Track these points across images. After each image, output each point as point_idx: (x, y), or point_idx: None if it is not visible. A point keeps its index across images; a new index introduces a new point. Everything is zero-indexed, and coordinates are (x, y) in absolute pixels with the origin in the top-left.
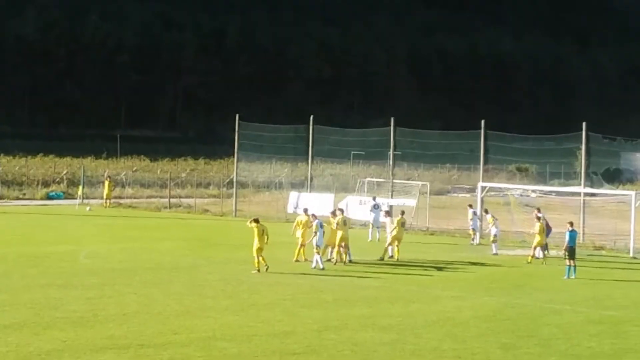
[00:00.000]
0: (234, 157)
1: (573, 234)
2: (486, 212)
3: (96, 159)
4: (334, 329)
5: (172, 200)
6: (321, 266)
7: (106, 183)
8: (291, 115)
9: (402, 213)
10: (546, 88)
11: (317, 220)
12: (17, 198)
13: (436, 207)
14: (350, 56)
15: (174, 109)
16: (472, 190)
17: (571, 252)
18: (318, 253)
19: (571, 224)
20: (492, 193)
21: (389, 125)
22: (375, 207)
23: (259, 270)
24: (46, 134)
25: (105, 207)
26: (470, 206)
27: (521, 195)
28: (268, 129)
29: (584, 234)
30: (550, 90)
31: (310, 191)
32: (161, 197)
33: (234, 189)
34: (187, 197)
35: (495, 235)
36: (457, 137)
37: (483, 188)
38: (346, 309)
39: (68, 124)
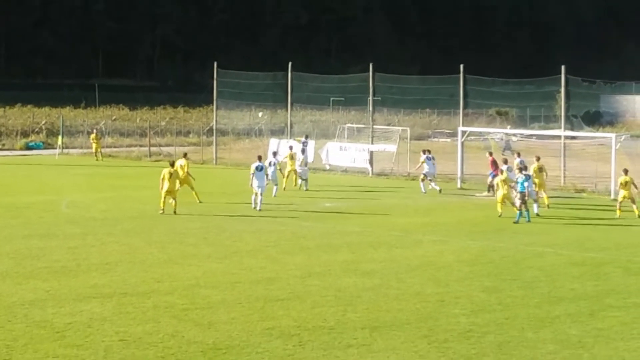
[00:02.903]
0: (213, 105)
1: (525, 180)
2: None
3: (75, 108)
4: (317, 275)
5: (152, 149)
6: (259, 207)
7: (92, 137)
8: (269, 62)
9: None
10: (524, 31)
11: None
12: None
13: (417, 152)
14: (327, 1)
15: (151, 58)
16: (453, 134)
17: (524, 197)
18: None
19: (522, 169)
20: (473, 137)
21: (368, 71)
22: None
23: (163, 211)
24: (23, 84)
25: (97, 160)
26: (424, 152)
27: (502, 139)
28: (246, 77)
29: (564, 177)
30: (528, 33)
31: (290, 137)
32: (141, 146)
33: (214, 137)
34: (167, 145)
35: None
36: (436, 82)
37: (463, 132)
38: (329, 255)
39: (45, 73)
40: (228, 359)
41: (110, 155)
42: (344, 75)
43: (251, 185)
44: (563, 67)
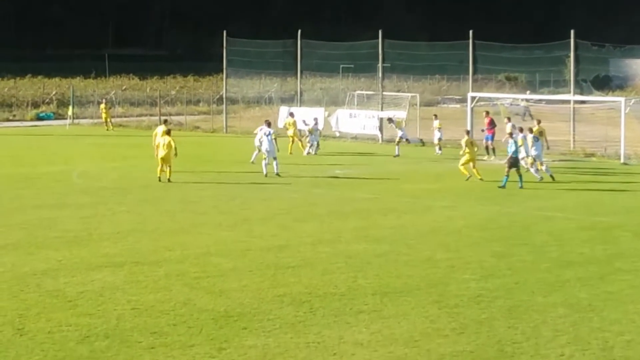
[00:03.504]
0: (222, 73)
1: (516, 144)
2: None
3: (85, 78)
4: (327, 242)
5: (163, 118)
6: (276, 170)
7: (102, 107)
8: (278, 30)
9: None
10: None
11: (264, 130)
12: (7, 119)
13: (426, 119)
14: None
15: (160, 27)
16: (462, 100)
17: (513, 162)
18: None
19: (510, 134)
20: (482, 103)
21: (377, 38)
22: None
23: (160, 179)
24: (33, 55)
25: (107, 129)
26: (435, 116)
27: (511, 104)
28: (256, 45)
29: (574, 141)
30: None
31: (300, 105)
32: (151, 115)
33: (224, 105)
34: (177, 114)
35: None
36: (445, 48)
37: (473, 98)
38: (339, 222)
39: (55, 44)
40: (239, 326)
41: (120, 125)
42: (354, 42)
43: (258, 147)
44: (572, 32)
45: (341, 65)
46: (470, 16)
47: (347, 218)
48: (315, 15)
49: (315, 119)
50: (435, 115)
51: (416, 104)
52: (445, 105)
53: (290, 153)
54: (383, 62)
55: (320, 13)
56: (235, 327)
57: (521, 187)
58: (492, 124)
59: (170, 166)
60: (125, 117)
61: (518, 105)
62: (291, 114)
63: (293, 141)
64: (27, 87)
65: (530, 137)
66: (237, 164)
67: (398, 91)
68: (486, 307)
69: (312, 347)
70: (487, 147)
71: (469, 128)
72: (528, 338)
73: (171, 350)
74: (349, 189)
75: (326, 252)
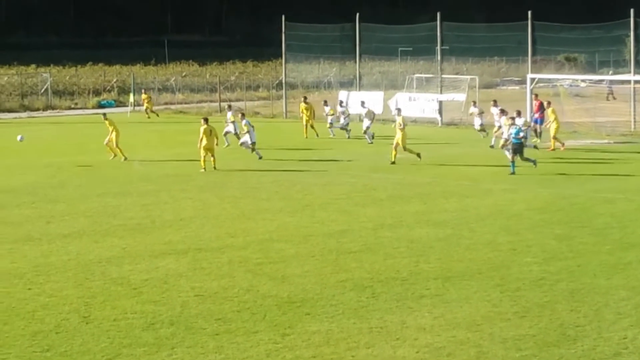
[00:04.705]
0: (282, 58)
1: (517, 130)
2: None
3: (145, 65)
4: (389, 227)
5: (223, 104)
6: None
7: (143, 96)
8: (336, 14)
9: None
10: None
11: (245, 120)
12: (69, 108)
13: (485, 101)
14: None
15: (219, 12)
16: (522, 82)
17: (517, 148)
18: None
19: (513, 118)
20: (541, 84)
21: (435, 20)
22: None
23: (204, 169)
24: (93, 42)
25: (149, 117)
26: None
27: (570, 85)
28: (314, 29)
29: (634, 122)
30: None
31: (359, 89)
32: (211, 101)
33: (284, 91)
34: (237, 100)
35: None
36: (504, 29)
37: (532, 80)
38: (400, 206)
39: (115, 31)
40: (302, 312)
41: (181, 112)
42: (412, 25)
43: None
44: (632, 10)
45: (399, 49)
46: None
47: (408, 202)
48: None
49: (341, 102)
50: (474, 102)
51: (475, 87)
52: (504, 87)
53: (306, 137)
54: (442, 44)
55: None
56: (299, 312)
57: (512, 173)
58: (541, 107)
59: (213, 155)
60: (185, 103)
61: (578, 86)
62: (304, 99)
63: (307, 126)
64: (88, 75)
65: (504, 119)
66: (297, 149)
67: (457, 74)
68: (548, 290)
69: (374, 332)
70: (535, 130)
71: (528, 109)
72: (590, 321)
73: (235, 337)
74: (409, 172)
75: (388, 236)
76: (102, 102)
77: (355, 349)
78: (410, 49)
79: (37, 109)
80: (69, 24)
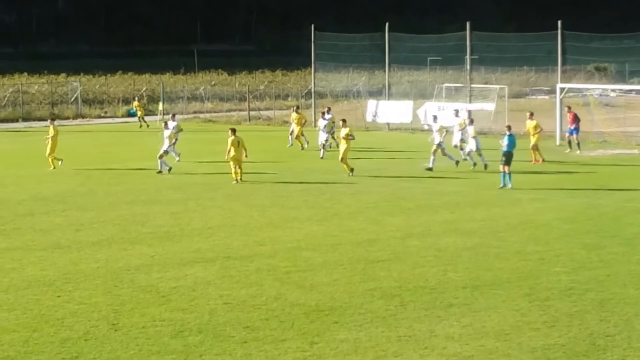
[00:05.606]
0: (311, 67)
1: (511, 139)
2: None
3: (174, 74)
4: (417, 236)
5: (252, 113)
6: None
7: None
8: (365, 23)
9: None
10: None
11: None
12: (99, 116)
13: (515, 110)
14: None
15: (248, 22)
16: (551, 92)
17: (507, 157)
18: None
19: (509, 127)
20: (571, 94)
21: (465, 29)
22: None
23: (237, 181)
24: (123, 51)
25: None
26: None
27: (600, 95)
28: (343, 38)
29: None
30: None
31: (388, 99)
32: (240, 110)
33: (313, 100)
34: (266, 109)
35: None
36: (533, 39)
37: (562, 89)
38: (428, 215)
39: (144, 40)
40: (330, 320)
41: (210, 120)
42: (441, 34)
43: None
44: None
45: (429, 58)
46: (557, 5)
47: (436, 211)
48: (402, 8)
49: (328, 109)
50: (472, 120)
51: (504, 96)
52: (533, 97)
53: (291, 145)
54: (471, 54)
55: (406, 5)
56: (327, 321)
57: (510, 187)
58: (576, 118)
59: (241, 167)
60: (214, 112)
61: (607, 96)
62: (296, 108)
63: (297, 136)
64: (118, 83)
65: (471, 129)
66: (325, 158)
67: (486, 83)
68: (577, 300)
69: (403, 341)
70: (569, 142)
71: (557, 119)
72: (620, 331)
73: (263, 345)
74: (437, 182)
75: (416, 245)
76: (132, 111)
77: (384, 357)
78: (440, 58)
79: (67, 118)
80: (100, 33)
